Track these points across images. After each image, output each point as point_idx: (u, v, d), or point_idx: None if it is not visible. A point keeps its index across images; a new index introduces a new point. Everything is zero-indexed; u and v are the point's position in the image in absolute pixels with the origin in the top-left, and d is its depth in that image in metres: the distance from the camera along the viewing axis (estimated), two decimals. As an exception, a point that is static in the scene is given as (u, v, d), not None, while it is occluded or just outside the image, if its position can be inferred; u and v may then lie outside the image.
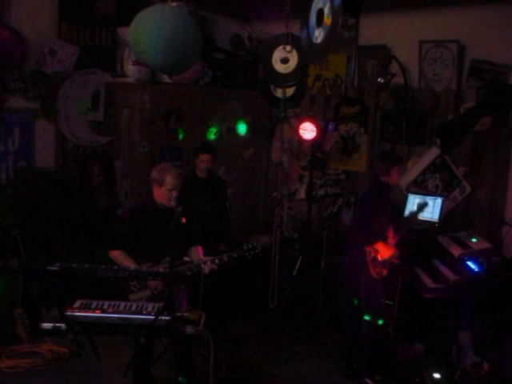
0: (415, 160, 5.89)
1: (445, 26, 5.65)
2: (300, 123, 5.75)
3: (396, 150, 5.77)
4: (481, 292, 4.66)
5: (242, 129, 6.53)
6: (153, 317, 3.29)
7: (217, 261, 4.12)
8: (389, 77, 5.44)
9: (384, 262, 4.67)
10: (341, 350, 5.18)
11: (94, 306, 3.44)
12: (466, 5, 5.44)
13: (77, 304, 3.46)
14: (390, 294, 4.91)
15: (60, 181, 5.71)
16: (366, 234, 4.74)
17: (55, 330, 3.26)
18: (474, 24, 5.45)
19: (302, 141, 6.11)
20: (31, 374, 2.76)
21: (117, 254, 4.06)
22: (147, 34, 3.77)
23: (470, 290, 4.73)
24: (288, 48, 4.19)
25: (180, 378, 4.10)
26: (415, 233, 5.13)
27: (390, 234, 4.72)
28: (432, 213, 5.19)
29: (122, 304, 3.48)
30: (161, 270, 3.88)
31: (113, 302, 3.48)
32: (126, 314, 3.37)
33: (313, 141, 5.75)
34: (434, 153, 5.75)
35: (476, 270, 4.82)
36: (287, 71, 4.28)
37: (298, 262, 6.06)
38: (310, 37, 3.82)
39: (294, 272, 6.02)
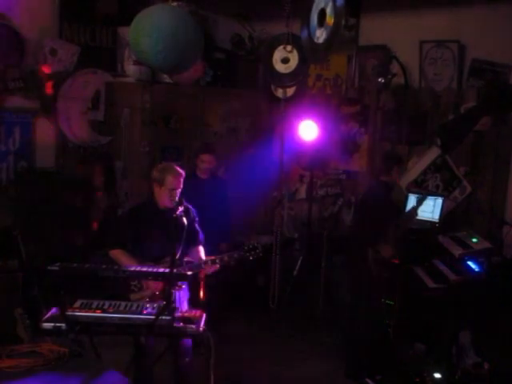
0: (416, 160, 5.89)
1: (445, 25, 5.65)
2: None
3: (396, 150, 5.78)
4: (481, 292, 4.66)
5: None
6: (153, 317, 3.29)
7: (217, 261, 4.12)
8: (389, 77, 5.44)
9: (385, 262, 4.67)
10: (341, 350, 5.18)
11: (94, 305, 3.43)
12: (466, 5, 5.44)
13: (77, 304, 3.45)
14: (390, 293, 4.91)
15: (60, 181, 5.71)
16: (366, 233, 4.74)
17: (56, 329, 3.25)
18: (474, 24, 5.45)
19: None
20: (32, 373, 2.76)
21: (117, 254, 4.06)
22: (148, 33, 3.78)
23: (470, 290, 4.72)
24: (288, 48, 4.19)
25: None
26: (415, 233, 5.13)
27: (391, 233, 4.72)
28: (432, 213, 5.19)
29: (123, 304, 3.48)
30: (161, 269, 3.87)
31: (113, 302, 3.48)
32: (126, 313, 3.36)
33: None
34: (434, 153, 5.75)
35: (476, 270, 4.82)
36: (288, 71, 4.28)
37: (299, 262, 6.06)
38: (311, 37, 3.82)
39: (295, 272, 6.02)
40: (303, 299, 6.08)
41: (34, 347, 3.00)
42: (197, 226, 4.30)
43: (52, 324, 3.27)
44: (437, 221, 5.19)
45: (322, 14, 3.69)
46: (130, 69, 5.93)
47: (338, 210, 6.58)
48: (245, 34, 7.01)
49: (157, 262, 4.01)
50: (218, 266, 4.16)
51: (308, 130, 5.70)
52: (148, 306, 3.45)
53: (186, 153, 6.14)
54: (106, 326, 3.34)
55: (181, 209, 3.72)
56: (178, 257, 3.78)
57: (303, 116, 6.01)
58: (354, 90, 6.37)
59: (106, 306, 3.42)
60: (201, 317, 3.47)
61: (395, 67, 5.55)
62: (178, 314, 3.37)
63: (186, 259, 4.12)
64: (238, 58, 6.85)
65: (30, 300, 4.87)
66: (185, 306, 3.93)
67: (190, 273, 3.74)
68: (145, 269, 3.67)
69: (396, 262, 4.79)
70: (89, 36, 6.13)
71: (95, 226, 5.83)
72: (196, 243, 4.28)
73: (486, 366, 4.49)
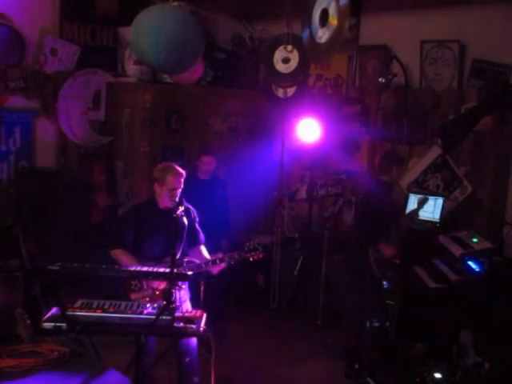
0: (416, 160, 5.89)
1: (446, 25, 5.65)
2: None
3: (397, 150, 5.77)
4: (481, 292, 4.66)
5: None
6: (154, 317, 3.29)
7: (217, 261, 4.12)
8: (390, 76, 5.43)
9: (386, 262, 4.67)
10: (341, 350, 5.18)
11: (94, 305, 3.44)
12: (467, 4, 5.43)
13: (78, 303, 3.45)
14: (391, 293, 4.91)
15: (61, 180, 5.71)
16: (366, 233, 4.74)
17: (56, 329, 3.26)
18: (475, 24, 5.44)
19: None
20: (32, 373, 2.76)
21: (118, 253, 4.05)
22: (148, 33, 3.78)
23: (470, 290, 4.72)
24: (289, 48, 4.18)
25: None
26: (416, 233, 5.13)
27: (391, 233, 4.72)
28: (433, 213, 5.19)
29: (123, 303, 3.48)
30: (161, 269, 3.88)
31: (114, 302, 3.48)
32: (126, 313, 3.37)
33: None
34: (435, 153, 5.75)
35: (477, 269, 4.82)
36: (288, 71, 4.28)
37: (299, 261, 6.06)
38: (313, 36, 3.82)
39: (295, 272, 6.02)
40: (303, 299, 6.08)
41: (34, 347, 3.00)
42: (197, 225, 4.30)
43: (52, 324, 3.27)
44: (437, 221, 5.19)
45: (325, 13, 3.68)
46: (131, 68, 5.93)
47: (338, 209, 6.58)
48: (245, 34, 7.01)
49: (157, 261, 4.01)
50: (225, 264, 4.16)
51: (308, 128, 5.69)
52: (148, 305, 3.46)
53: (186, 153, 6.14)
54: (106, 326, 3.34)
55: (181, 209, 3.72)
56: (178, 257, 3.78)
57: (304, 116, 6.01)
58: (355, 90, 6.37)
59: (106, 306, 3.43)
60: (201, 317, 3.47)
61: (396, 67, 5.55)
62: (178, 314, 3.38)
63: (187, 259, 4.12)
64: (239, 58, 6.85)
65: (31, 300, 4.86)
66: (185, 306, 3.93)
67: (190, 273, 3.74)
68: (145, 269, 3.68)
69: (397, 261, 4.78)
70: (89, 36, 6.14)
71: (96, 225, 5.83)
72: (197, 243, 4.28)
73: (487, 365, 4.48)
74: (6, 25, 5.46)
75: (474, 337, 4.66)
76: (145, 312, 3.38)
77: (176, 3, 5.14)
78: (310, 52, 4.05)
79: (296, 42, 4.24)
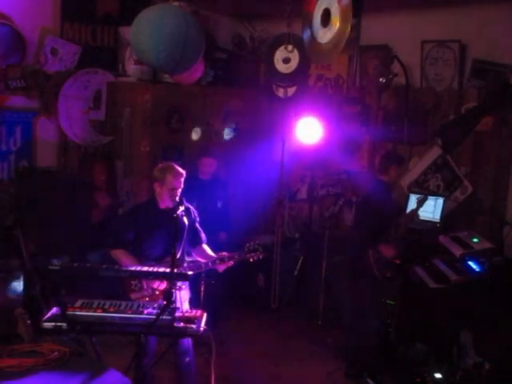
0: (416, 160, 5.88)
1: (446, 25, 5.65)
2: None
3: (397, 150, 5.77)
4: (482, 292, 4.66)
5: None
6: (154, 317, 3.29)
7: (217, 262, 4.13)
8: (390, 76, 5.43)
9: (386, 262, 4.67)
10: (341, 350, 5.18)
11: (95, 305, 3.43)
12: (467, 4, 5.43)
13: (78, 303, 3.45)
14: (391, 293, 4.91)
15: (61, 180, 5.71)
16: (367, 233, 4.73)
17: (56, 329, 3.25)
18: (475, 24, 5.44)
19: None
20: (32, 373, 2.76)
21: (118, 253, 4.05)
22: (149, 33, 3.78)
23: (471, 290, 4.72)
24: (289, 48, 4.18)
25: None
26: (416, 233, 5.13)
27: (392, 233, 4.72)
28: (433, 213, 5.19)
29: (123, 303, 3.48)
30: (161, 269, 3.88)
31: (114, 302, 3.48)
32: (127, 313, 3.36)
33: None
34: (435, 153, 5.75)
35: (477, 270, 4.82)
36: (289, 71, 4.28)
37: (300, 261, 6.06)
38: (314, 37, 3.81)
39: (296, 272, 6.02)
40: (303, 299, 6.08)
41: (34, 347, 3.00)
42: (198, 225, 4.30)
43: (53, 323, 3.27)
44: (438, 221, 5.19)
45: (326, 13, 3.67)
46: (132, 68, 5.93)
47: (338, 209, 6.58)
48: (246, 34, 7.01)
49: (157, 261, 4.01)
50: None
51: (309, 129, 5.69)
52: (148, 305, 3.46)
53: (186, 152, 6.14)
54: (106, 326, 3.34)
55: (181, 208, 3.73)
56: (178, 256, 3.78)
57: (304, 116, 6.01)
58: (355, 90, 6.37)
59: (106, 306, 3.42)
60: (201, 317, 3.47)
61: (396, 67, 5.55)
62: (178, 314, 3.38)
63: (191, 259, 4.13)
64: (239, 58, 6.85)
65: (31, 299, 4.86)
66: (186, 306, 3.93)
67: (190, 273, 3.74)
68: (145, 269, 3.67)
69: (397, 261, 4.78)
70: (90, 35, 6.14)
71: (96, 225, 5.83)
72: (198, 242, 4.29)
73: (487, 365, 4.48)
74: (7, 24, 5.46)
75: (474, 337, 4.66)
76: (145, 312, 3.38)
77: (176, 3, 5.13)
78: (311, 53, 4.04)
79: (296, 42, 4.23)
